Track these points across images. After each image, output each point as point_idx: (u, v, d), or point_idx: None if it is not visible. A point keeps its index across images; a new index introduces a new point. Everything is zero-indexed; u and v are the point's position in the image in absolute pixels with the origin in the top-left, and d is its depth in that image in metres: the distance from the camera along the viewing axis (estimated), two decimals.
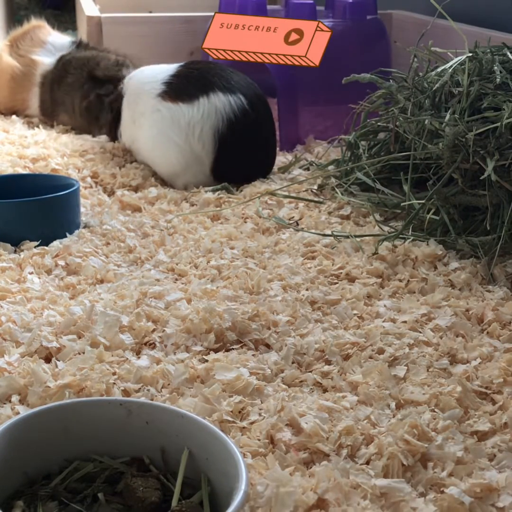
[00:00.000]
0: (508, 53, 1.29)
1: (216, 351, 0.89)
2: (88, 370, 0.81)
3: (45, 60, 1.88)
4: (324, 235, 1.23)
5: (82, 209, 1.27)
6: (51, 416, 0.66)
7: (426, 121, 1.24)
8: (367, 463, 0.70)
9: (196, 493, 0.64)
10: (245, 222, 1.29)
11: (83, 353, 0.85)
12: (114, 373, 0.82)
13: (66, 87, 1.82)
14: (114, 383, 0.80)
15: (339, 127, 1.58)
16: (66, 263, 1.09)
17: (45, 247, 1.13)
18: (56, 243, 1.14)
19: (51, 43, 1.91)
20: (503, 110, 1.15)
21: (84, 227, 1.23)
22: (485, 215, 1.15)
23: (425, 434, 0.72)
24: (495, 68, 1.24)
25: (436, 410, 0.78)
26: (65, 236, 1.18)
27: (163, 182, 1.49)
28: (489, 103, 1.19)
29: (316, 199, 1.41)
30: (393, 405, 0.79)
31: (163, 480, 0.66)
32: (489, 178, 1.12)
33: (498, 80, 1.22)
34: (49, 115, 1.87)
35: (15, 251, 1.14)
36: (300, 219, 1.31)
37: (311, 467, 0.69)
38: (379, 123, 1.44)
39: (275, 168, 1.58)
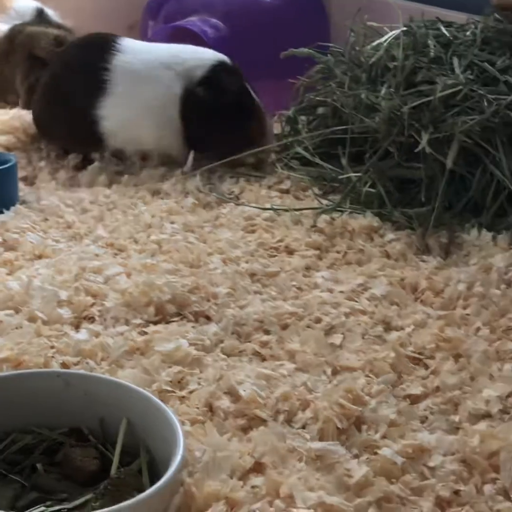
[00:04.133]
0: (442, 27, 1.31)
1: (155, 323, 0.90)
2: (26, 345, 0.80)
3: (1, 27, 1.68)
4: (264, 208, 1.24)
5: (19, 185, 1.26)
6: None
7: (363, 95, 1.26)
8: (303, 427, 0.71)
9: (135, 460, 0.65)
10: (186, 197, 1.29)
11: (21, 327, 0.85)
12: (52, 347, 0.82)
13: (12, 63, 1.66)
14: (52, 357, 0.80)
15: (278, 102, 1.59)
16: (3, 239, 1.08)
17: None
18: None
19: (15, 9, 1.72)
20: (436, 83, 1.18)
21: (21, 203, 1.21)
22: (420, 187, 1.18)
23: (359, 398, 0.74)
24: (429, 42, 1.27)
25: (370, 375, 0.80)
26: (2, 212, 1.16)
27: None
28: (424, 77, 1.21)
29: (256, 173, 1.41)
30: (329, 371, 0.81)
31: (102, 449, 0.67)
32: (423, 151, 1.15)
33: (432, 54, 1.25)
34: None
35: None
36: (240, 193, 1.32)
37: (248, 433, 0.70)
38: (317, 98, 1.45)
39: None
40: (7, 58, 1.68)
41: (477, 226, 1.13)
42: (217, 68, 1.37)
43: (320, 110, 1.47)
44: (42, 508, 0.60)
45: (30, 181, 1.34)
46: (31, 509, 0.60)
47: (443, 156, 1.15)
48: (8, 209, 1.17)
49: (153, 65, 1.38)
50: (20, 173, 1.32)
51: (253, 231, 1.17)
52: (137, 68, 1.38)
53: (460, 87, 1.18)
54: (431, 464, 0.68)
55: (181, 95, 1.36)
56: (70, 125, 1.40)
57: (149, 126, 1.38)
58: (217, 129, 1.38)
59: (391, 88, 1.22)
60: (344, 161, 1.28)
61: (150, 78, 1.37)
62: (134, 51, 1.40)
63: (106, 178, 1.35)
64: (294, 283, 1.01)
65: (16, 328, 0.85)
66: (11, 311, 0.88)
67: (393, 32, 1.32)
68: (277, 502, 0.60)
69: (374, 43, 1.34)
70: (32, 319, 0.87)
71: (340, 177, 1.26)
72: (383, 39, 1.32)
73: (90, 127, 1.38)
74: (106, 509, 0.55)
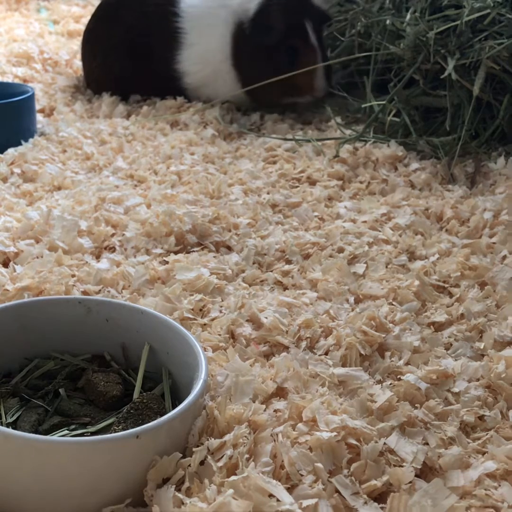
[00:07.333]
0: None
1: (176, 253, 0.89)
2: (47, 273, 0.80)
3: None
4: (286, 139, 1.21)
5: (37, 117, 1.24)
6: (8, 315, 0.66)
7: (388, 21, 1.22)
8: (326, 353, 0.71)
9: (158, 386, 0.65)
10: (205, 128, 1.27)
11: (42, 257, 0.84)
12: (73, 276, 0.81)
13: None
14: (73, 285, 0.79)
15: None
16: (22, 171, 1.07)
17: (0, 155, 1.10)
18: (11, 151, 1.12)
19: None
20: (463, 7, 1.14)
21: (40, 135, 1.20)
22: (446, 116, 1.14)
23: (382, 326, 0.73)
24: None
25: (394, 303, 0.79)
26: (20, 144, 1.15)
27: None
28: (450, 0, 1.17)
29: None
30: (352, 299, 0.80)
31: (125, 375, 0.67)
32: (449, 78, 1.11)
33: None
34: None
35: None
36: (262, 124, 1.30)
37: (271, 359, 0.70)
38: (341, 26, 1.41)
39: None
40: None
41: (504, 154, 1.10)
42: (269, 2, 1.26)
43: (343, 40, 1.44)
44: (65, 431, 0.60)
45: (47, 112, 1.32)
46: (54, 432, 0.60)
47: (469, 83, 1.11)
48: (26, 140, 1.16)
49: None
50: (37, 105, 1.30)
51: (274, 162, 1.15)
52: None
53: (488, 10, 1.14)
54: (456, 389, 0.67)
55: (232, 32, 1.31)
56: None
57: None
58: (262, 71, 1.28)
59: (417, 13, 1.18)
60: (367, 90, 1.25)
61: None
62: None
63: (124, 109, 1.33)
64: (316, 213, 0.99)
65: (37, 257, 0.84)
66: (32, 241, 0.88)
67: None
68: (300, 425, 0.59)
69: None
70: (52, 248, 0.86)
71: (363, 105, 1.23)
72: None
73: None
74: (128, 431, 0.54)
